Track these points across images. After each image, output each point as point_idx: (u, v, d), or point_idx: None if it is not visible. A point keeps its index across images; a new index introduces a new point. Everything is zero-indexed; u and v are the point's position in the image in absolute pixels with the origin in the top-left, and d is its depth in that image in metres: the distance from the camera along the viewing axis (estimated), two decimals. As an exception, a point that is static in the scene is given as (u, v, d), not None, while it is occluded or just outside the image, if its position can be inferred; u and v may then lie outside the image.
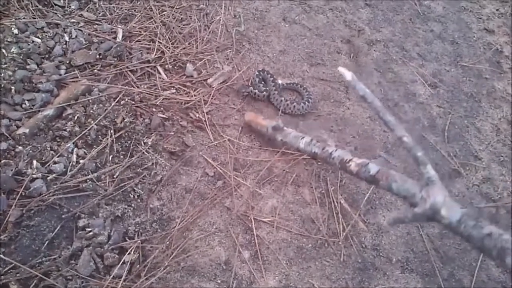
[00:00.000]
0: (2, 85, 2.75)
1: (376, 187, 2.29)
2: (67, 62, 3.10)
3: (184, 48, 3.55)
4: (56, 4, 3.47)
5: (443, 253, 3.02)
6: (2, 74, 2.79)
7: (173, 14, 3.76)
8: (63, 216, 2.49)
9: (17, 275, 2.25)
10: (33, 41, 3.09)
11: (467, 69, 4.27)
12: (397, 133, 2.18)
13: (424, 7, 4.79)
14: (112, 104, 2.94)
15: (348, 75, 2.35)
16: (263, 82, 3.51)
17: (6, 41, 2.98)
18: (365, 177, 2.33)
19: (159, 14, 3.71)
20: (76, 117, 2.81)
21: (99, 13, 3.59)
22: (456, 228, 1.83)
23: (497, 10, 4.96)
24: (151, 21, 3.64)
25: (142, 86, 3.20)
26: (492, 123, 3.89)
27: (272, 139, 3.12)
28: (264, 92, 3.42)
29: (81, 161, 2.70)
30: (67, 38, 3.21)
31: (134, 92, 3.11)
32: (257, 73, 3.51)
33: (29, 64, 2.96)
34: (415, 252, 2.98)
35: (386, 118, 2.23)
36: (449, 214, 1.86)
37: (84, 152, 2.76)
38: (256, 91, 3.41)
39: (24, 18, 3.19)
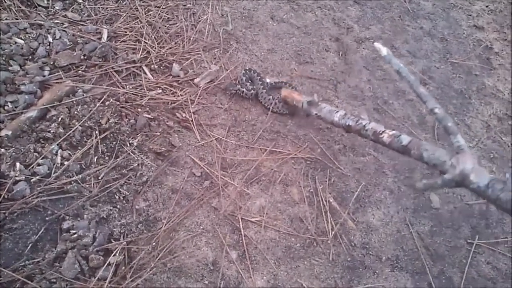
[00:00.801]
0: (-16, 87, 2.73)
1: (408, 156, 2.38)
2: (51, 63, 3.06)
3: (170, 48, 3.52)
4: (39, 5, 3.43)
5: (433, 250, 3.00)
6: (-16, 76, 2.76)
7: (159, 14, 3.73)
8: (47, 218, 2.46)
9: (0, 279, 2.21)
10: (15, 42, 3.05)
11: (457, 66, 4.26)
12: (429, 105, 2.35)
13: (413, 4, 4.78)
14: (97, 105, 2.91)
15: (384, 50, 2.59)
16: (250, 81, 3.48)
17: (-12, 42, 2.96)
18: (397, 147, 2.46)
19: (145, 14, 3.68)
20: (60, 119, 2.78)
21: (84, 14, 3.55)
22: (484, 192, 1.95)
23: (486, 6, 4.95)
24: (137, 21, 3.61)
25: (127, 86, 3.17)
26: (482, 120, 3.88)
27: (308, 113, 3.20)
28: (252, 91, 3.40)
29: (66, 162, 2.67)
30: (50, 39, 3.17)
31: (119, 93, 3.07)
32: (243, 71, 3.48)
33: (11, 66, 2.92)
34: (405, 250, 2.96)
35: (419, 91, 2.42)
36: (478, 179, 1.98)
37: (69, 153, 2.72)
38: (244, 89, 3.38)
39: (6, 19, 3.15)
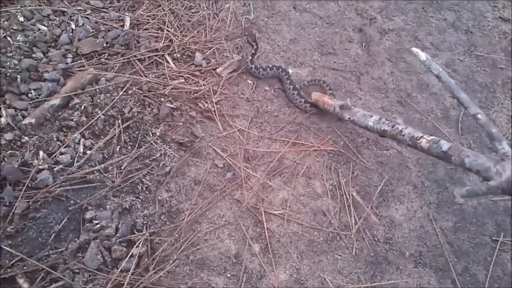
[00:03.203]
0: (8, 74, 2.69)
1: (447, 162, 2.34)
2: (74, 50, 3.03)
3: (192, 37, 3.48)
4: (62, -9, 3.40)
5: (457, 247, 2.96)
6: (8, 63, 2.72)
7: (181, 2, 3.68)
8: (70, 208, 2.44)
9: (24, 268, 2.21)
10: (39, 29, 3.02)
11: (482, 59, 4.18)
12: (471, 110, 2.28)
13: (437, -5, 4.69)
14: (120, 93, 2.88)
15: (422, 55, 2.52)
16: (270, 71, 3.45)
17: (12, 29, 2.91)
18: (437, 153, 2.38)
19: (167, 1, 3.62)
20: (83, 107, 2.75)
21: (106, 1, 3.50)
22: None
23: (512, -2, 4.85)
24: (159, 9, 3.56)
25: (150, 75, 3.14)
26: (507, 114, 3.81)
27: (340, 117, 3.16)
28: (266, 72, 3.42)
29: (88, 152, 2.65)
30: (73, 26, 3.13)
31: (142, 82, 3.04)
32: (271, 65, 3.45)
33: (35, 53, 2.89)
34: (428, 246, 2.93)
35: (460, 96, 2.35)
36: None
37: (91, 142, 2.70)
38: (260, 69, 3.41)
39: (30, 5, 3.12)
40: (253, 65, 3.38)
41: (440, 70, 2.43)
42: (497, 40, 4.38)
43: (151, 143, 2.82)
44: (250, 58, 3.40)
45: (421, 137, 2.49)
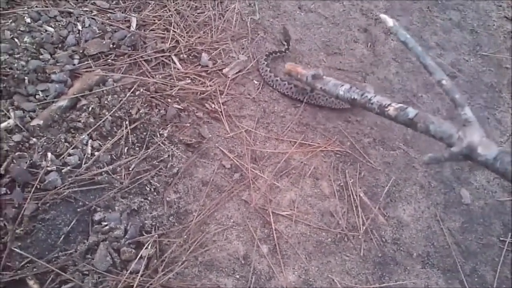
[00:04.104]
0: (16, 76, 2.68)
1: (414, 130, 2.34)
2: (81, 51, 3.02)
3: (199, 37, 3.47)
4: (68, -8, 3.40)
5: (464, 247, 2.96)
6: (15, 64, 2.72)
7: (187, 2, 3.68)
8: (78, 209, 2.43)
9: (34, 269, 2.20)
10: (46, 30, 3.01)
11: (487, 59, 4.18)
12: (436, 76, 2.30)
13: (442, -6, 4.69)
14: (127, 94, 2.88)
15: (390, 21, 2.52)
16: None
17: (19, 30, 2.91)
18: (404, 120, 2.41)
19: (173, 2, 3.62)
20: (90, 108, 2.75)
21: (112, 2, 3.49)
22: (492, 165, 1.95)
23: (517, -3, 4.85)
24: (165, 10, 3.56)
25: (157, 76, 3.13)
26: (513, 114, 3.81)
27: (312, 87, 3.15)
28: (284, 85, 3.37)
29: (96, 153, 2.64)
30: (80, 27, 3.13)
31: (149, 83, 3.03)
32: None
33: (42, 54, 2.88)
34: (436, 246, 2.92)
35: (426, 62, 2.35)
36: (485, 151, 1.97)
37: (99, 144, 2.69)
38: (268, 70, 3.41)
39: (36, 6, 3.11)
40: (268, 68, 3.40)
41: (407, 36, 2.44)
42: (502, 40, 4.37)
43: (159, 144, 2.81)
44: (265, 57, 3.46)
45: (389, 105, 2.50)
